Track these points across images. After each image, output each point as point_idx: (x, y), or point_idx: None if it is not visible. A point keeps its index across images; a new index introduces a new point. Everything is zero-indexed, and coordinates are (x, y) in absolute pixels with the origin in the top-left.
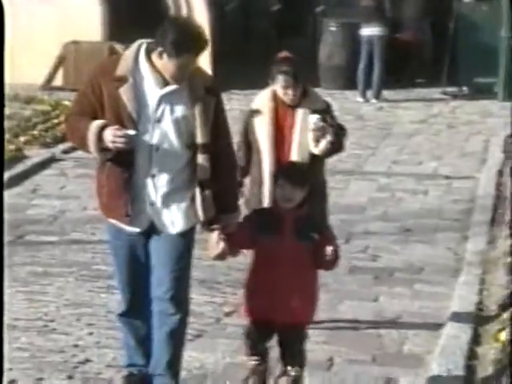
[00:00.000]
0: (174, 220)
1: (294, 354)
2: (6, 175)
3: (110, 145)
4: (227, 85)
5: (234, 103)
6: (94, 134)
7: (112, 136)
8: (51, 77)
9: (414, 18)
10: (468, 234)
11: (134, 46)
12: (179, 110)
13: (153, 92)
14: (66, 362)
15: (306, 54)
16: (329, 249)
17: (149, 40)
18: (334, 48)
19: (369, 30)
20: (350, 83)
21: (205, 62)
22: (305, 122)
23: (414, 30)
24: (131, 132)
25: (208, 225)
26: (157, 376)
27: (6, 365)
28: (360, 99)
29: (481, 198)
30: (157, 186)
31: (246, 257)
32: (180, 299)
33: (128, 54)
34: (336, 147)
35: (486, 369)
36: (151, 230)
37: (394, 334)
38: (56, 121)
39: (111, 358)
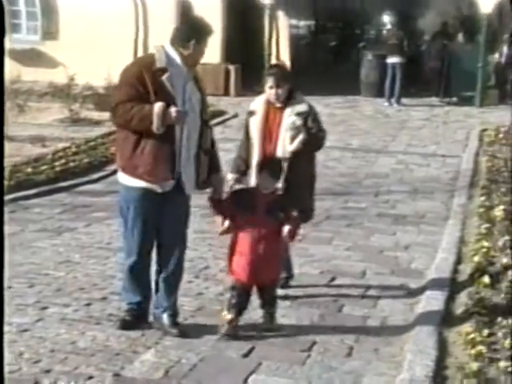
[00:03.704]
0: (190, 181)
1: (269, 301)
2: None
3: (175, 121)
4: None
5: None
6: (159, 113)
7: (176, 113)
8: None
9: (436, 52)
10: (455, 193)
11: (159, 46)
12: (194, 92)
13: (181, 77)
14: None
15: (352, 74)
16: (286, 228)
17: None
18: (369, 70)
19: (392, 59)
20: (380, 93)
21: None
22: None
23: (435, 60)
24: (184, 110)
25: (202, 186)
26: (162, 308)
27: None
28: (386, 104)
29: (463, 169)
30: (187, 153)
31: None
32: (182, 252)
33: (159, 52)
34: (309, 146)
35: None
36: (173, 190)
37: (405, 256)
38: None
39: None
